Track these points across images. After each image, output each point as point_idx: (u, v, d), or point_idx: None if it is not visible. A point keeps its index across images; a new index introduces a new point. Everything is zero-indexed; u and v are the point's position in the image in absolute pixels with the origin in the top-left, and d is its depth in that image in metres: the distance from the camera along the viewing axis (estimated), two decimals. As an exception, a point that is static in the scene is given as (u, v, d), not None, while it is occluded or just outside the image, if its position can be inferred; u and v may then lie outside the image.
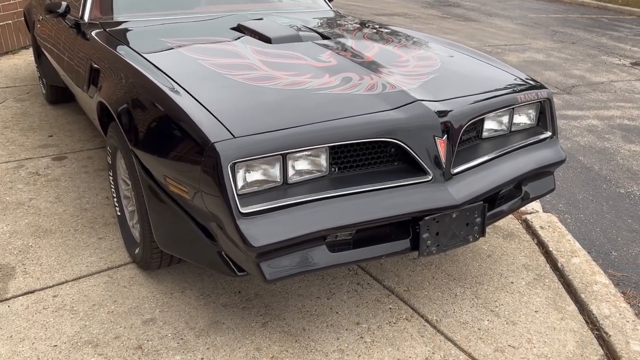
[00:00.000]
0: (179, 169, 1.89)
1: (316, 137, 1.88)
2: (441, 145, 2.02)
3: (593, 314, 2.33)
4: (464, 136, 2.28)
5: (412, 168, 2.05)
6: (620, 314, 2.32)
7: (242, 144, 1.78)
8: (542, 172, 2.45)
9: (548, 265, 2.70)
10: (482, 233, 2.16)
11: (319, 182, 1.95)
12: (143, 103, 2.13)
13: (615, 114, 5.32)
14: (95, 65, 2.65)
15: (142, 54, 2.46)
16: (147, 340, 2.13)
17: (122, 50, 2.55)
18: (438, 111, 2.06)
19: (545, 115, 2.51)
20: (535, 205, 3.30)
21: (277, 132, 1.85)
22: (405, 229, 2.02)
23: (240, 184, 1.80)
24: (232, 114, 1.92)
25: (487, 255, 2.77)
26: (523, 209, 3.21)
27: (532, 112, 2.49)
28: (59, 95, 4.61)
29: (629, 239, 3.10)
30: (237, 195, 1.77)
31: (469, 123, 2.15)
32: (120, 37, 2.77)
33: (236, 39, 2.73)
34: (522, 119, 2.48)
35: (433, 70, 2.47)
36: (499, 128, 2.41)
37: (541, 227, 2.97)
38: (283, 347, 2.12)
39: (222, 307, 2.33)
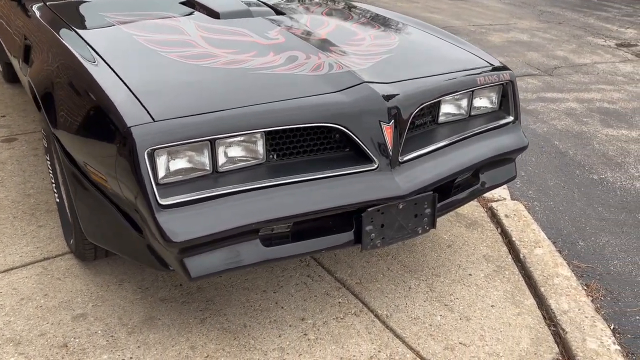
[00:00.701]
0: (96, 155, 1.74)
1: (249, 121, 1.73)
2: (387, 132, 1.87)
3: (551, 309, 2.21)
4: (418, 121, 2.13)
5: (357, 156, 1.90)
6: (579, 309, 2.21)
7: (162, 128, 1.62)
8: (503, 159, 2.31)
9: (510, 256, 2.58)
10: (433, 225, 2.02)
11: (255, 171, 1.80)
12: (64, 81, 1.96)
13: (596, 96, 5.18)
14: (27, 41, 2.47)
15: (76, 29, 2.28)
16: (75, 338, 1.99)
17: (54, 25, 2.36)
18: (386, 95, 1.91)
19: (507, 99, 2.36)
20: (502, 192, 3.17)
21: (203, 116, 1.69)
22: (348, 221, 1.89)
23: (161, 172, 1.65)
24: (156, 94, 1.76)
25: (447, 245, 2.64)
26: (489, 195, 3.09)
27: (494, 96, 2.35)
28: (16, 74, 4.40)
29: (598, 228, 2.99)
30: (157, 185, 1.62)
31: (420, 107, 2.00)
32: (59, 11, 2.58)
33: (183, 15, 2.55)
34: (483, 102, 2.33)
35: (388, 50, 2.30)
36: (457, 112, 2.26)
37: (506, 216, 2.85)
38: (220, 345, 1.99)
39: (160, 301, 2.19)
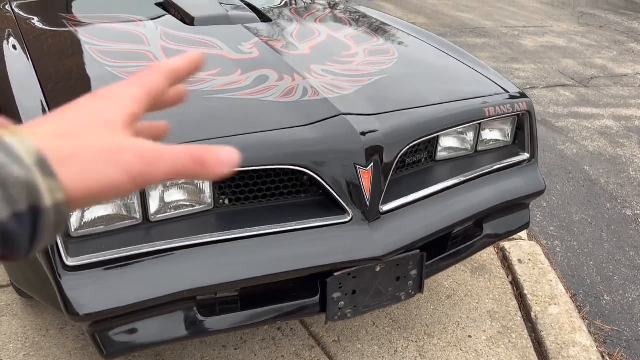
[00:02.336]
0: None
1: (190, 161, 1.40)
2: (365, 177, 1.52)
3: (563, 391, 1.84)
4: (409, 159, 1.77)
5: (330, 203, 1.56)
6: (598, 394, 1.83)
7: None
8: (514, 205, 1.93)
9: (520, 313, 2.20)
10: (419, 289, 1.67)
11: (198, 220, 1.48)
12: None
13: (636, 113, 4.69)
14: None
15: (25, 35, 1.98)
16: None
17: (8, 27, 2.07)
18: (366, 131, 1.55)
19: (523, 132, 1.97)
20: (519, 228, 2.77)
21: (131, 155, 1.36)
22: (313, 284, 1.55)
23: (74, 222, 1.34)
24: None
25: (447, 295, 2.27)
26: (503, 233, 2.69)
27: (507, 128, 1.96)
28: None
29: (628, 279, 2.57)
30: (67, 238, 1.31)
31: (410, 145, 1.64)
32: (22, 10, 2.30)
33: (153, 19, 2.23)
34: (493, 135, 1.95)
35: (382, 70, 1.94)
36: (461, 147, 1.89)
37: (519, 261, 2.46)
38: (159, 417, 1.68)
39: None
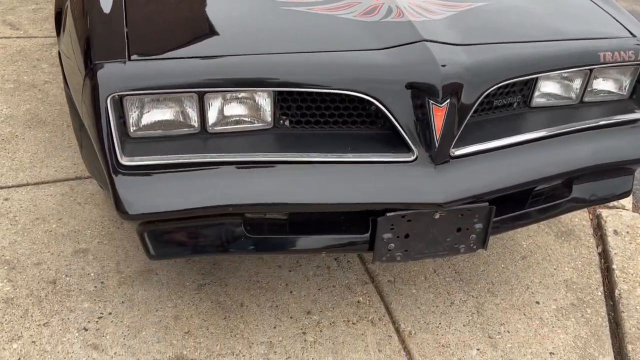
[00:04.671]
0: (74, 85, 1.47)
1: (252, 75, 1.34)
2: (437, 115, 1.37)
3: (633, 380, 1.65)
4: (498, 101, 1.57)
5: (395, 139, 1.44)
6: (673, 392, 1.62)
7: (135, 71, 1.29)
8: (616, 169, 1.68)
9: (601, 288, 1.99)
10: (483, 244, 1.53)
11: (256, 138, 1.43)
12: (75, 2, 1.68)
13: None
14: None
15: None
16: (66, 276, 1.86)
17: None
18: (447, 63, 1.38)
19: (644, 86, 1.68)
20: (624, 196, 2.47)
21: (192, 61, 1.33)
22: (365, 221, 1.46)
23: (132, 124, 1.34)
24: (150, 28, 1.42)
25: (522, 256, 2.10)
26: (603, 199, 2.41)
27: (625, 79, 1.68)
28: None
29: None
30: (124, 139, 1.32)
31: (498, 86, 1.45)
32: None
33: None
34: (606, 85, 1.68)
35: (485, -4, 1.71)
36: (564, 95, 1.65)
37: (615, 232, 2.20)
38: (206, 322, 1.75)
39: (164, 253, 1.99)
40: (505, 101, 1.60)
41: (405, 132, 1.39)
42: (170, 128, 1.38)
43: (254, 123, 1.43)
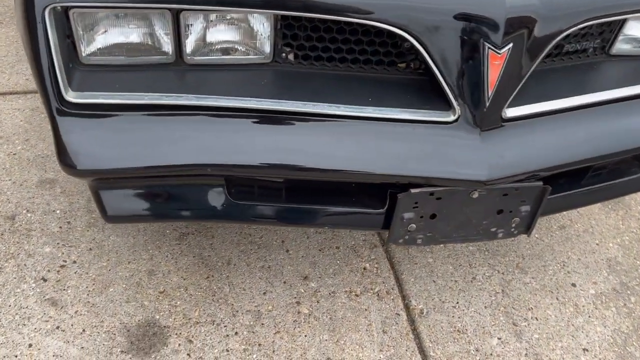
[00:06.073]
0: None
1: (246, -10, 0.97)
2: (494, 63, 1.01)
3: (677, 392, 1.41)
4: (570, 45, 1.20)
5: (431, 90, 1.09)
6: None
7: (82, -26, 0.93)
8: None
9: (650, 273, 1.70)
10: (527, 230, 1.22)
11: (249, 75, 1.09)
12: None
13: None
14: None
15: None
16: (27, 212, 1.60)
17: None
18: (517, -9, 0.99)
19: None
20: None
21: (163, -36, 0.96)
22: (382, 194, 1.15)
23: (85, 46, 1.00)
24: None
25: (560, 225, 1.80)
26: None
27: None
28: None
29: None
30: (65, 67, 0.99)
31: (581, 26, 1.07)
32: None
33: None
34: None
35: None
36: (657, 42, 1.27)
37: (673, 205, 1.87)
38: (185, 280, 1.50)
39: (143, 192, 1.71)
40: (579, 46, 1.22)
41: (446, 84, 1.04)
42: (136, 54, 1.04)
43: (248, 54, 1.09)
